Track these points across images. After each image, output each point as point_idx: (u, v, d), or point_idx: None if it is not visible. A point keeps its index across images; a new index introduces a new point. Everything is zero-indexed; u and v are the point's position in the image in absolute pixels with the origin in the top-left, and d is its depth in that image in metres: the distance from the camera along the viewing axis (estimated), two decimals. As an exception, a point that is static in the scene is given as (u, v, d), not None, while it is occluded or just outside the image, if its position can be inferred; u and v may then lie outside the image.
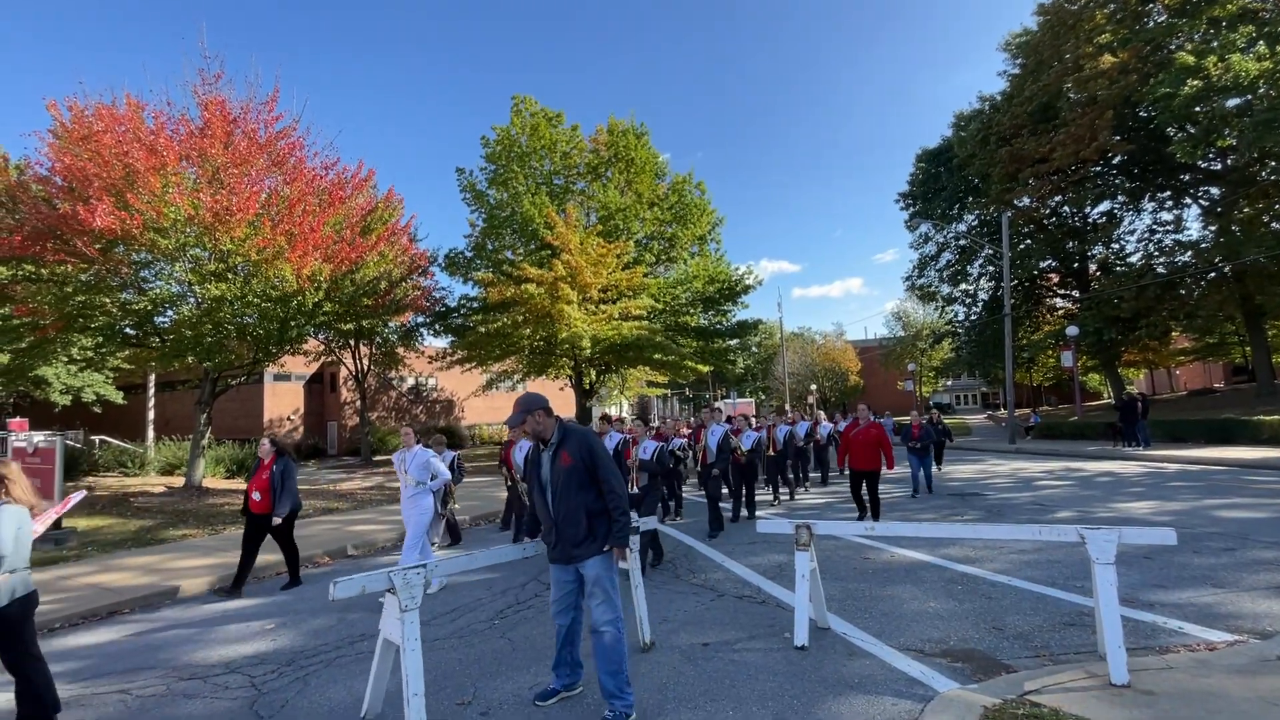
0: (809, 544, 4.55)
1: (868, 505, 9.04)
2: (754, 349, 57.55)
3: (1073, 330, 25.12)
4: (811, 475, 14.41)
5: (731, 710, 3.52)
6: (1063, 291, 34.06)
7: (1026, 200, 28.05)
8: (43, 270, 12.07)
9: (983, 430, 35.40)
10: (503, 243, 21.72)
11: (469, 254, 22.28)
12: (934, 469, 14.30)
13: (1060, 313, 33.92)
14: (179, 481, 15.54)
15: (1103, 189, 26.86)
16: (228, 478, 17.86)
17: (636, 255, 21.68)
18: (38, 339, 13.17)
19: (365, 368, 23.91)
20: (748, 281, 23.12)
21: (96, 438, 23.50)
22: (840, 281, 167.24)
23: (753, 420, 14.01)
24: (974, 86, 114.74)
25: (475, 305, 21.78)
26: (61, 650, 5.13)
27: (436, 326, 23.05)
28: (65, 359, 20.23)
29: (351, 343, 22.77)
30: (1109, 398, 37.02)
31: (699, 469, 9.32)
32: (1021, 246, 30.31)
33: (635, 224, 21.68)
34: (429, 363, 24.46)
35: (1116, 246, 30.01)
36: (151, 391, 26.18)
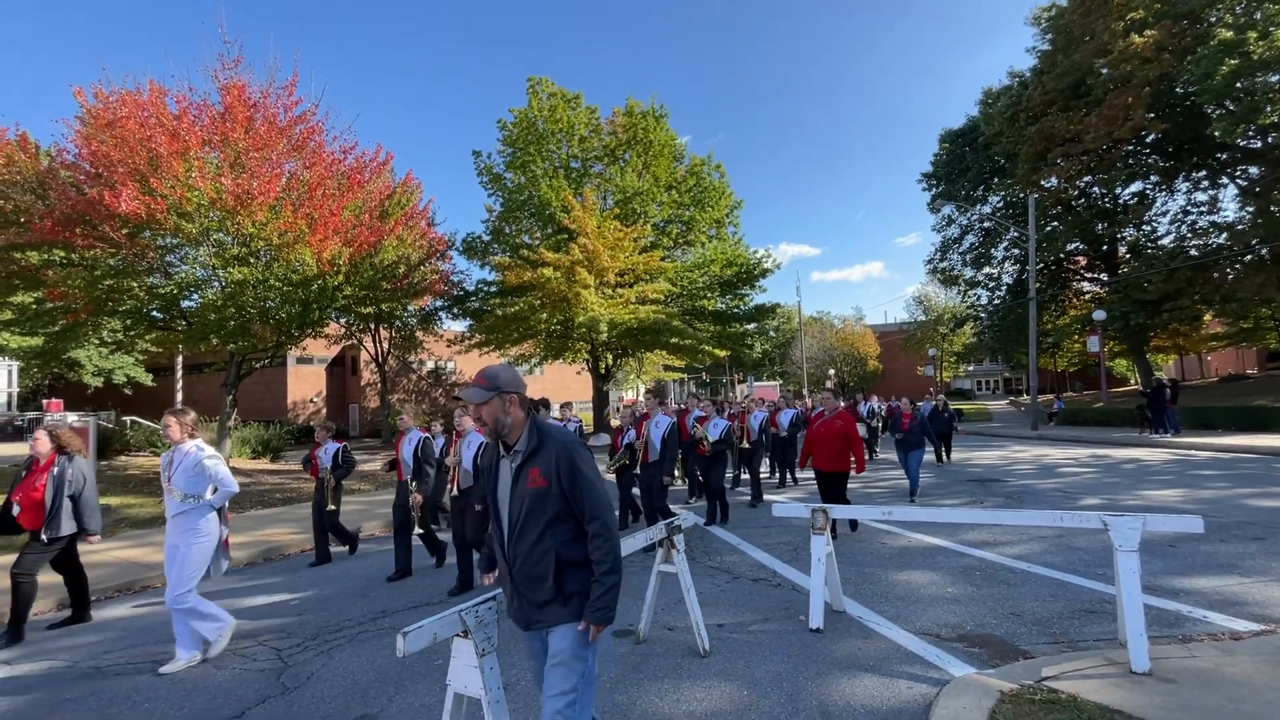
0: (825, 528, 4.54)
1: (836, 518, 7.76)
2: (772, 333, 57.14)
3: (1100, 314, 24.54)
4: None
5: (746, 691, 3.54)
6: (1090, 275, 33.22)
7: (1054, 181, 27.28)
8: (73, 255, 12.33)
9: (1004, 416, 34.90)
10: (520, 226, 21.71)
11: (487, 238, 22.32)
12: (946, 459, 14.00)
13: (1087, 296, 33.12)
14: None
15: (1135, 169, 26.02)
16: (253, 458, 18.30)
17: (654, 239, 21.55)
18: (69, 322, 13.50)
19: (385, 351, 24.20)
20: (766, 265, 22.88)
21: (127, 418, 24.14)
22: (861, 265, 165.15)
23: (782, 403, 13.54)
24: (1003, 64, 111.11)
25: (493, 289, 21.86)
26: (97, 622, 5.32)
27: (455, 310, 23.21)
28: (96, 342, 20.76)
29: (372, 326, 23.03)
30: (1136, 383, 36.21)
31: (639, 469, 7.43)
32: (1048, 228, 29.55)
33: (653, 207, 21.53)
34: (448, 346, 24.67)
35: (1148, 228, 29.13)
36: (179, 374, 26.80)
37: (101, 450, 15.75)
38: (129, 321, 14.02)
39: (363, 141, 36.19)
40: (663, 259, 20.48)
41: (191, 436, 4.62)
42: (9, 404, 28.17)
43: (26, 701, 3.84)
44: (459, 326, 24.82)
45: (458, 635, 2.53)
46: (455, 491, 5.99)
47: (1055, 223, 30.16)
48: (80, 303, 12.39)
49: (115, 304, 12.77)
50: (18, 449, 17.88)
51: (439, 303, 22.73)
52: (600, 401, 23.72)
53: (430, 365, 34.33)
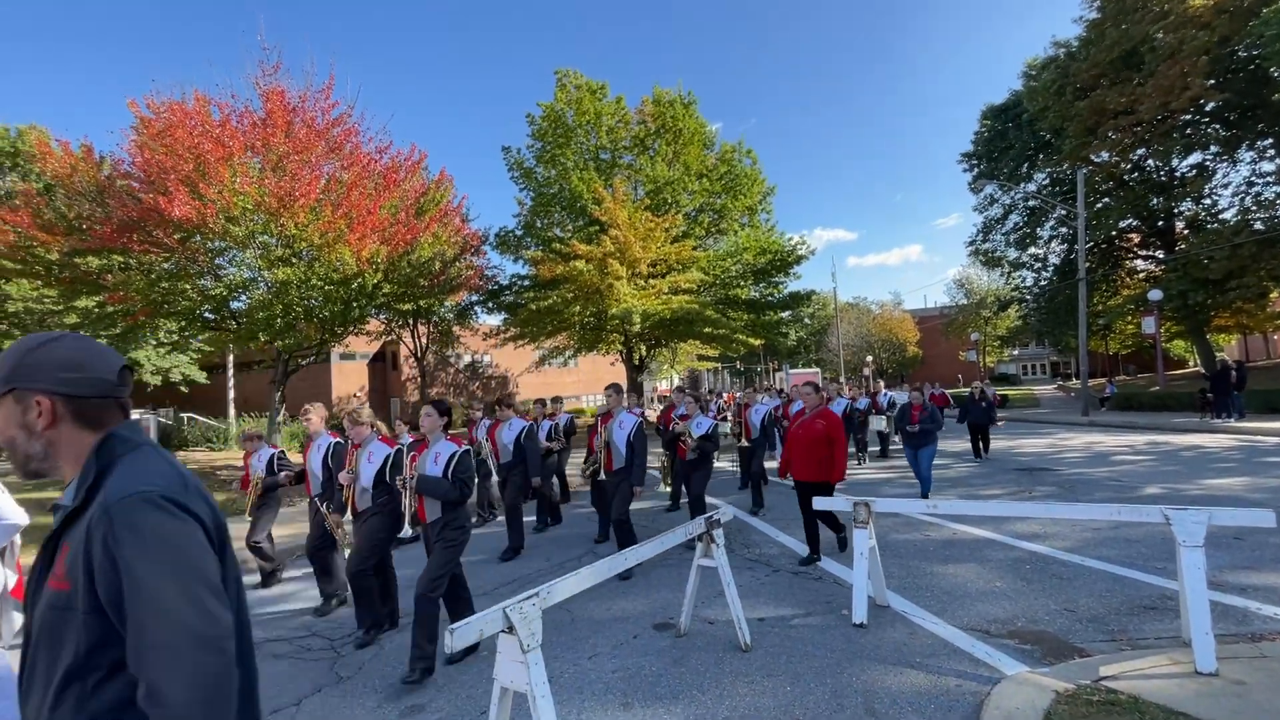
0: (868, 521, 4.46)
1: (831, 537, 6.41)
2: (806, 320, 56.32)
3: (1155, 294, 23.37)
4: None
5: (789, 686, 3.52)
6: (1144, 252, 31.64)
7: (1105, 155, 25.97)
8: (130, 260, 12.92)
9: (1053, 401, 33.67)
10: (552, 219, 21.81)
11: (519, 232, 22.51)
12: (984, 453, 12.55)
13: (1141, 275, 31.57)
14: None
15: (1193, 139, 24.57)
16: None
17: (686, 228, 21.39)
18: (129, 324, 14.18)
19: (424, 346, 24.70)
20: (800, 252, 22.52)
21: (185, 415, 25.29)
22: (899, 249, 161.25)
23: (827, 391, 12.66)
24: (1045, 33, 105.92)
25: (526, 283, 22.06)
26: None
27: (490, 304, 23.52)
28: (154, 342, 21.70)
29: (410, 322, 23.51)
30: (1195, 366, 34.47)
31: (604, 475, 6.34)
32: (1099, 205, 28.20)
33: (684, 196, 21.36)
34: (483, 340, 25.03)
35: (1208, 202, 27.53)
36: (231, 371, 27.88)
37: (162, 445, 16.53)
38: (183, 322, 14.63)
39: (396, 140, 36.85)
40: (695, 248, 20.33)
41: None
42: (77, 402, 29.77)
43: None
44: (494, 320, 25.16)
45: (502, 631, 2.58)
46: (351, 514, 4.86)
47: (1106, 199, 28.75)
48: (139, 305, 12.97)
49: (170, 306, 13.33)
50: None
51: (474, 297, 23.06)
52: (635, 392, 23.77)
53: (467, 359, 34.95)
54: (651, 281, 19.19)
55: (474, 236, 20.99)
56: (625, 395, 6.51)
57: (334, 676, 4.04)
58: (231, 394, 26.83)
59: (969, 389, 12.97)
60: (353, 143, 14.58)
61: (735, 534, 7.20)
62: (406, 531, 4.44)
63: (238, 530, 7.47)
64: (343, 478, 4.83)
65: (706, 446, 7.15)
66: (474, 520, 7.97)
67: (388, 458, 4.72)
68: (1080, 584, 4.95)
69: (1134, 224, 29.91)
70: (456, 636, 2.44)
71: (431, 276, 17.00)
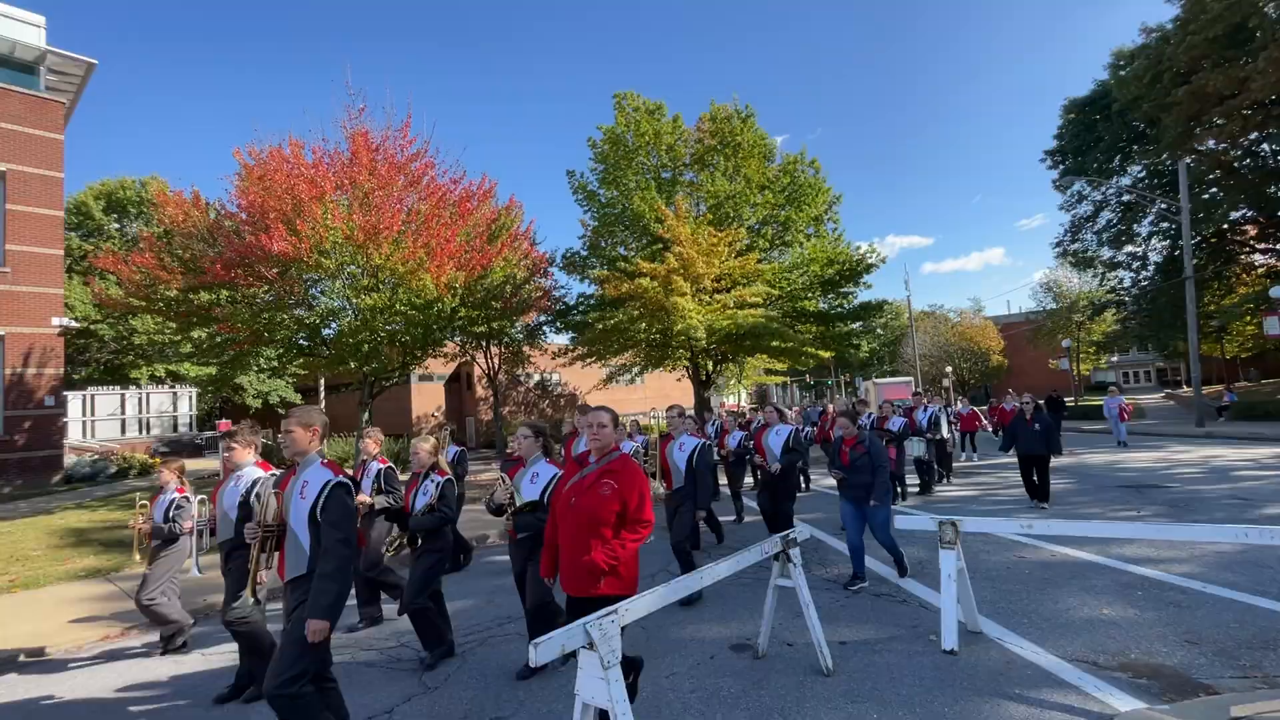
0: (955, 541, 4.25)
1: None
2: (879, 331, 54.31)
3: (1279, 290, 21.11)
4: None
5: (876, 713, 3.39)
6: (1263, 245, 28.68)
7: (1211, 143, 23.84)
8: (235, 294, 14.15)
9: (1161, 412, 30.86)
10: (616, 239, 22.18)
11: (584, 253, 23.01)
12: (1041, 496, 8.80)
13: (1260, 270, 28.59)
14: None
15: (1318, 118, 22.21)
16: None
17: (749, 241, 21.22)
18: (236, 352, 15.49)
19: (496, 366, 25.58)
20: (870, 260, 21.84)
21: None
22: (978, 253, 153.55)
23: (896, 405, 11.11)
24: (1131, 21, 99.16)
25: (592, 302, 22.47)
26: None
27: (558, 324, 24.10)
28: (256, 369, 23.53)
29: (483, 343, 24.44)
30: (1333, 369, 30.71)
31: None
32: (1205, 196, 25.86)
33: (746, 209, 21.24)
34: (552, 359, 25.64)
35: (1339, 186, 24.73)
36: (322, 394, 29.85)
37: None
38: (282, 350, 15.83)
39: (469, 170, 38.71)
40: (759, 261, 20.12)
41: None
42: (190, 425, 32.74)
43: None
44: (562, 339, 25.74)
45: (584, 648, 2.63)
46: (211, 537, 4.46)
47: (1214, 189, 26.33)
48: (244, 335, 14.14)
49: (271, 334, 14.46)
50: (199, 464, 20.62)
51: (543, 318, 23.71)
52: (702, 408, 23.63)
53: (536, 378, 35.85)
54: (716, 296, 19.11)
55: (542, 259, 21.65)
56: (686, 418, 6.46)
57: (422, 687, 4.21)
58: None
59: (1019, 403, 9.39)
60: (429, 175, 15.44)
61: (811, 553, 7.00)
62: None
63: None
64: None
65: (791, 459, 6.78)
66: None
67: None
68: (1203, 613, 4.50)
69: (1249, 214, 27.21)
70: (540, 650, 2.50)
71: (503, 299, 17.64)
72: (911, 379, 38.38)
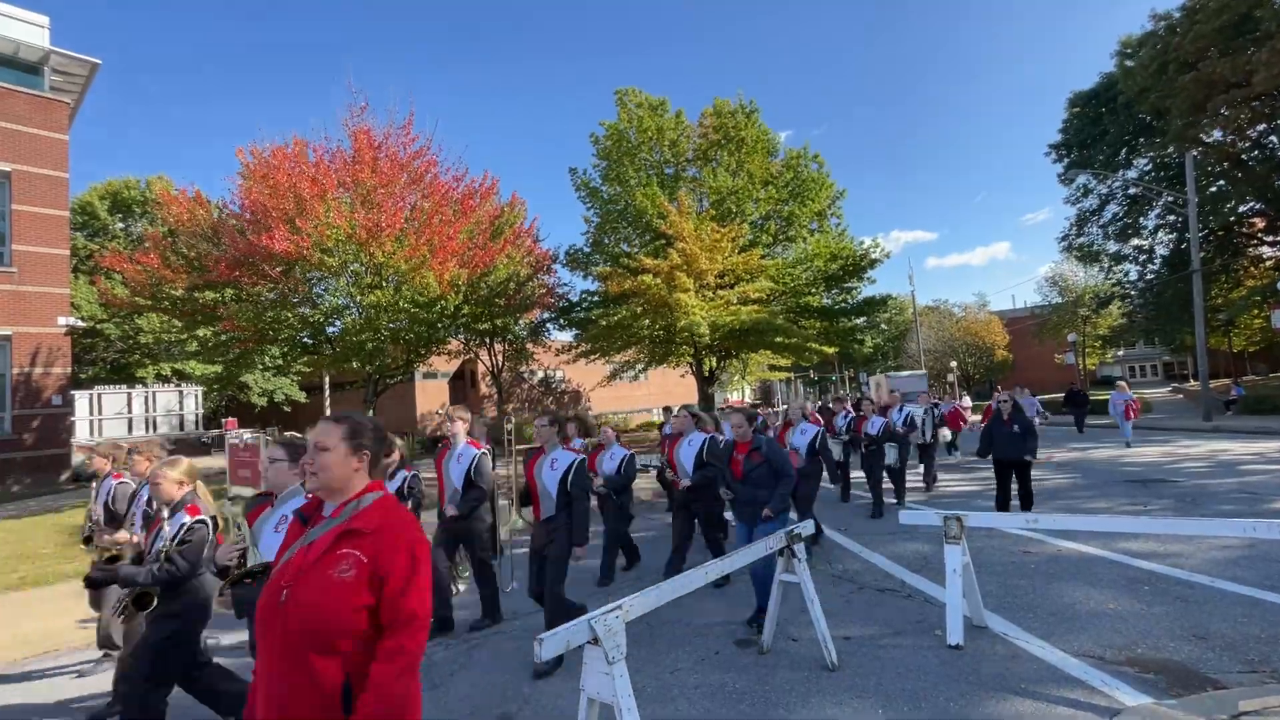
0: (960, 536, 4.23)
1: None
2: (883, 326, 54.17)
3: (1287, 284, 20.96)
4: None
5: (880, 709, 3.38)
6: (1271, 238, 28.46)
7: (1219, 134, 23.63)
8: (240, 292, 14.21)
9: (1168, 406, 30.70)
10: (619, 236, 22.16)
11: (587, 250, 22.99)
12: (1021, 501, 7.59)
13: (1269, 263, 28.40)
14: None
15: (1326, 109, 22.01)
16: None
17: (752, 237, 21.17)
18: (241, 350, 15.56)
19: (500, 363, 25.62)
20: (874, 255, 21.75)
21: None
22: (983, 248, 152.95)
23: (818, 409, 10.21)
24: (1136, 18, 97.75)
25: (596, 299, 22.47)
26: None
27: (561, 321, 24.11)
28: (261, 367, 23.58)
29: (487, 341, 24.48)
30: (1341, 363, 30.52)
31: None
32: (1212, 189, 25.67)
33: (749, 205, 21.18)
34: (555, 356, 25.66)
35: (1348, 177, 24.48)
36: (327, 392, 29.92)
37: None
38: (286, 348, 15.89)
39: (471, 168, 38.69)
40: (762, 257, 20.07)
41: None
42: (196, 423, 32.96)
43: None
44: (566, 336, 25.76)
45: (588, 643, 2.64)
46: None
47: (1222, 181, 26.13)
48: (248, 333, 14.20)
49: (275, 333, 14.52)
50: (206, 462, 20.72)
51: (546, 315, 23.73)
52: (706, 404, 23.60)
53: (540, 375, 35.90)
54: (720, 292, 19.08)
55: (545, 256, 21.65)
56: (691, 419, 6.42)
57: (428, 683, 4.22)
58: (328, 412, 28.69)
59: (994, 401, 8.14)
60: (432, 173, 15.47)
61: (816, 548, 7.00)
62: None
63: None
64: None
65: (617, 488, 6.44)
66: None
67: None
68: (1210, 608, 4.48)
69: (1257, 207, 27.00)
70: (545, 646, 2.51)
71: (507, 296, 17.66)
72: (925, 373, 37.71)
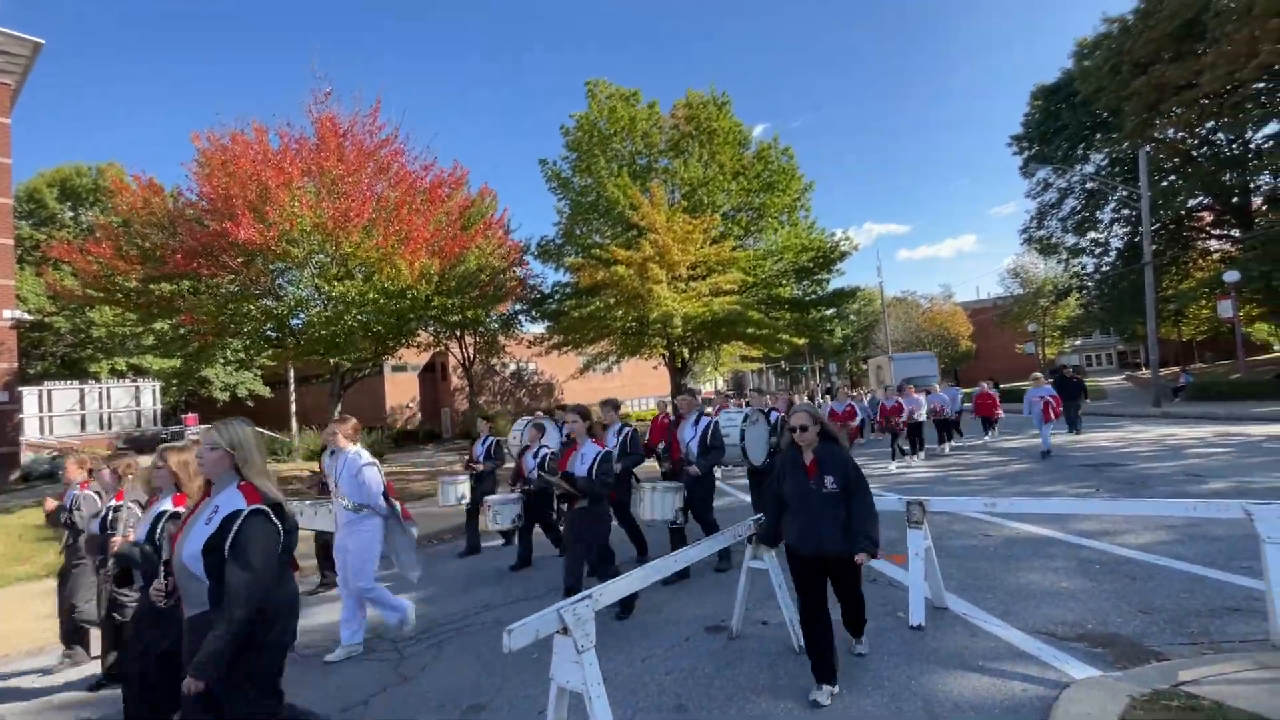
0: (922, 521, 4.37)
1: None
2: (852, 317, 55.08)
3: (1232, 275, 21.90)
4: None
5: (846, 689, 3.48)
6: (1218, 232, 29.74)
7: (1171, 132, 24.54)
8: (199, 284, 13.75)
9: (1121, 394, 31.94)
10: (591, 227, 22.07)
11: (559, 241, 22.86)
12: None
13: (1216, 256, 29.69)
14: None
15: (1270, 108, 22.99)
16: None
17: (724, 229, 21.30)
18: (200, 344, 15.07)
19: (471, 356, 25.36)
20: (843, 248, 22.12)
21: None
22: (951, 240, 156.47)
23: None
24: (1096, 10, 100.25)
25: (568, 290, 22.38)
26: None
27: (533, 313, 23.97)
28: (222, 360, 22.97)
29: (458, 333, 24.19)
30: (1281, 351, 32.10)
31: None
32: (1164, 184, 26.66)
33: (720, 196, 21.29)
34: (528, 348, 25.53)
35: (1288, 174, 25.68)
36: (292, 386, 29.23)
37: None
38: (249, 341, 15.45)
39: (440, 158, 38.01)
40: (734, 248, 20.22)
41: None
42: (154, 419, 31.82)
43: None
44: (538, 328, 25.61)
45: (558, 633, 2.67)
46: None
47: (1173, 177, 27.16)
48: (208, 326, 13.77)
49: (237, 326, 14.10)
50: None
51: (518, 306, 23.55)
52: (678, 395, 23.75)
53: (512, 367, 35.63)
54: (692, 284, 19.17)
55: (516, 247, 21.44)
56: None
57: (398, 677, 4.21)
58: (294, 407, 28.09)
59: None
60: (399, 162, 15.16)
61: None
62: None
63: (305, 537, 7.66)
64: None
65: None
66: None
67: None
68: (1155, 584, 4.71)
69: (1205, 202, 28.20)
70: (514, 636, 2.53)
71: (479, 287, 17.46)
72: (934, 355, 36.36)
